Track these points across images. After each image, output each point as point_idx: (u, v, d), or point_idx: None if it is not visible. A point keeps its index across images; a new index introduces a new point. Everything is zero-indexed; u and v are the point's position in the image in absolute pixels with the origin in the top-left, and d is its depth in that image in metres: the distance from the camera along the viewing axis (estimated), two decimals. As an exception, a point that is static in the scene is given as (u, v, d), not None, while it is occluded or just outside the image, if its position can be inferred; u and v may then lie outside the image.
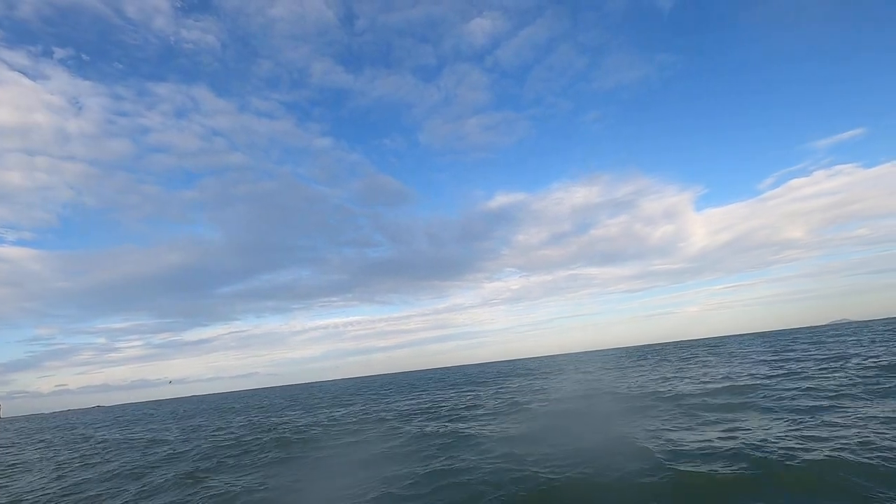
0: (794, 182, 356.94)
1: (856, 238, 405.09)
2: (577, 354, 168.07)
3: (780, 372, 18.36)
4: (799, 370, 18.27)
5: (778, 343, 46.20)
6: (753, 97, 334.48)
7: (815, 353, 26.50)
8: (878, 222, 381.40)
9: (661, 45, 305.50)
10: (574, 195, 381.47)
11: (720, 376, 19.45)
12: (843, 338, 40.54)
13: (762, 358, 26.89)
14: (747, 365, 23.41)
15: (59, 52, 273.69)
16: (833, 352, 25.48)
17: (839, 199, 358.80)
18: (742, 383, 15.92)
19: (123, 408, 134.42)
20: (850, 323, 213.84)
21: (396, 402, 26.11)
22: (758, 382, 15.81)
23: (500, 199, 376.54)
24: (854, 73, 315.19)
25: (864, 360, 19.31)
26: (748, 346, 48.25)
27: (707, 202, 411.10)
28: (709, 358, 33.51)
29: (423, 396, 27.70)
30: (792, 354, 27.30)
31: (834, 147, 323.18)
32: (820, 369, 17.86)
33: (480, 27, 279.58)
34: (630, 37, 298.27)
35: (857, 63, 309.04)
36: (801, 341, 43.68)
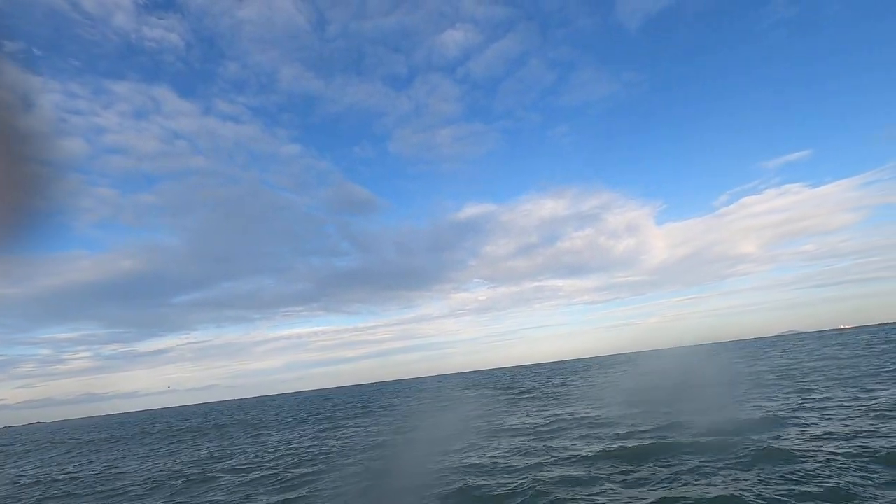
0: (747, 199, 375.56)
1: (803, 253, 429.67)
2: (547, 365, 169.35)
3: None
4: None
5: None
6: (711, 117, 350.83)
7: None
8: (823, 239, 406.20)
9: (628, 64, 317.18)
10: (542, 207, 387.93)
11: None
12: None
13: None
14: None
15: (9, 46, 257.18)
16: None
17: (788, 216, 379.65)
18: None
19: (60, 424, 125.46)
20: (798, 334, 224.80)
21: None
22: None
23: (470, 210, 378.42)
24: (803, 99, 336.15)
25: None
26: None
27: (667, 217, 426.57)
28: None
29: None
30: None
31: (783, 167, 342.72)
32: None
33: (453, 39, 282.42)
34: (598, 54, 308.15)
35: (806, 89, 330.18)
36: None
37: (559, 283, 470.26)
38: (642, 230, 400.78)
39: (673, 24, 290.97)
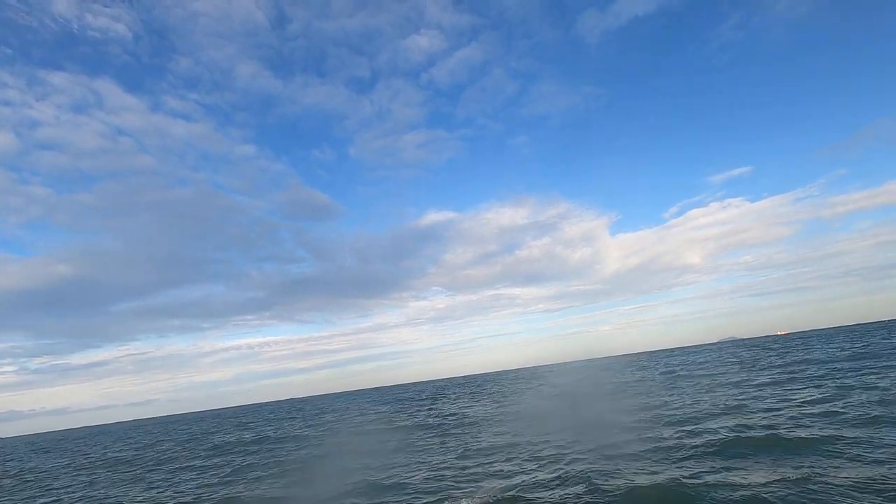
0: (693, 212, 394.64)
1: (742, 264, 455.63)
2: (497, 373, 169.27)
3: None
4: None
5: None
6: (664, 132, 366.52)
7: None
8: (760, 251, 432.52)
9: (587, 77, 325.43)
10: (502, 216, 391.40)
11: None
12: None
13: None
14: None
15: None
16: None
17: (729, 228, 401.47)
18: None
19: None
20: (736, 340, 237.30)
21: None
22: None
23: (431, 218, 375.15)
24: (746, 117, 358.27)
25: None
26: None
27: (621, 228, 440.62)
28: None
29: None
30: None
31: (726, 182, 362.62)
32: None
33: (417, 44, 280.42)
34: (559, 67, 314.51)
35: (749, 108, 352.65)
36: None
37: (516, 291, 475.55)
38: (597, 240, 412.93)
39: (629, 42, 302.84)
